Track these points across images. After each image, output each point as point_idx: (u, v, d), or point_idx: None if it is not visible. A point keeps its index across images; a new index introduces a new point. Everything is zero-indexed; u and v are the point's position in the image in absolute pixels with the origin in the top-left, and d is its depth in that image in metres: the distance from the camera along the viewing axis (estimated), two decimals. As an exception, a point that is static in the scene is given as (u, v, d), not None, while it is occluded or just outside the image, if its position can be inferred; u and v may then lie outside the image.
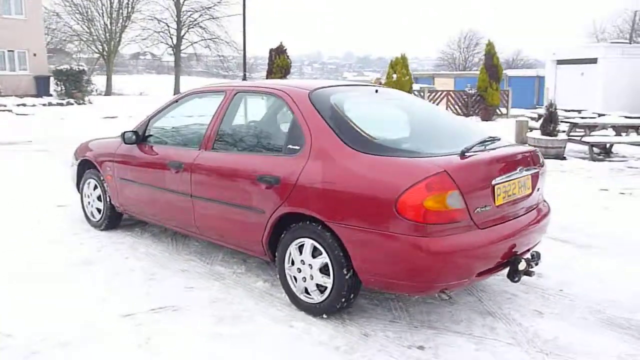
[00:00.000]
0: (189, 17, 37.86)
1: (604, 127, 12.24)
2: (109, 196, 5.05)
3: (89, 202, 5.35)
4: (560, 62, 21.79)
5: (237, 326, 3.36)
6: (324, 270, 3.35)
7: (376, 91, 4.07)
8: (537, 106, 22.60)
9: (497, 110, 21.04)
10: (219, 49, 38.24)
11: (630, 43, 21.34)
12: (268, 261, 4.03)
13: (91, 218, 5.37)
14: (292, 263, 3.53)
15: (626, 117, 12.39)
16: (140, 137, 4.64)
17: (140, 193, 4.64)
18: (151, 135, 4.66)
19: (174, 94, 35.31)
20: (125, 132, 4.65)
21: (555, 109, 11.36)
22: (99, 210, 5.26)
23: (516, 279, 3.33)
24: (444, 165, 2.99)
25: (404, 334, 3.29)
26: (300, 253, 3.45)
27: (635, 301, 3.79)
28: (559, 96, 21.76)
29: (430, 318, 3.51)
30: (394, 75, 18.48)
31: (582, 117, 13.09)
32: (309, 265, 3.40)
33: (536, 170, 3.62)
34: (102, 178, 5.09)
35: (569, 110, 17.74)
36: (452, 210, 2.95)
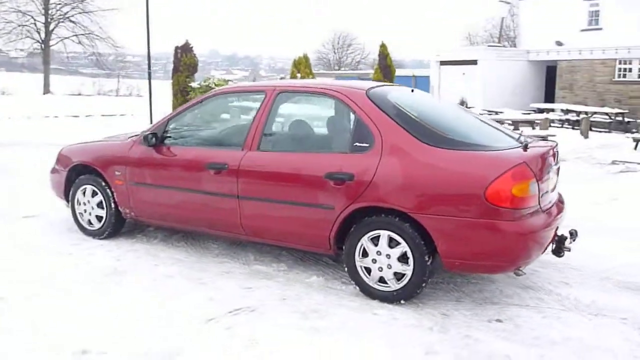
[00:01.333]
0: (58, 10, 34.98)
1: (502, 122, 13.68)
2: (114, 202, 4.78)
3: (84, 210, 5.00)
4: (443, 62, 23.69)
5: (324, 319, 3.46)
6: (401, 259, 3.58)
7: (412, 91, 4.36)
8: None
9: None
10: (93, 45, 35.80)
11: (504, 46, 23.88)
12: (302, 256, 4.17)
13: (87, 227, 5.02)
14: (364, 255, 3.70)
15: (523, 113, 13.98)
16: (159, 139, 4.48)
17: (164, 197, 4.48)
18: (169, 137, 4.51)
19: (44, 94, 32.46)
20: (146, 134, 4.45)
21: (467, 106, 12.49)
22: (99, 218, 4.94)
23: (562, 254, 3.82)
24: (522, 158, 3.38)
25: (475, 310, 3.64)
26: (375, 245, 3.64)
27: (627, 269, 4.47)
28: (443, 94, 23.69)
29: (486, 295, 3.90)
30: (298, 75, 18.82)
31: (481, 114, 14.52)
32: (387, 255, 3.61)
33: (559, 164, 4.16)
34: (104, 184, 4.80)
35: None
36: (531, 196, 3.35)
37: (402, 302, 3.65)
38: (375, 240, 3.65)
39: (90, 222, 5.00)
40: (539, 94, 24.07)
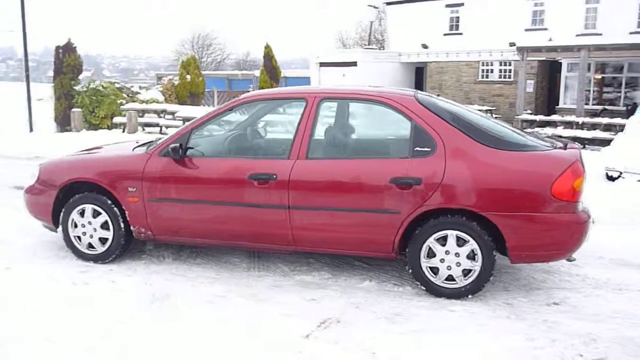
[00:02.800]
0: None
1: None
2: (123, 222, 4.34)
3: (83, 233, 4.45)
4: (323, 64, 24.40)
5: (412, 321, 3.55)
6: (469, 256, 3.78)
7: (438, 95, 4.57)
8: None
9: (279, 109, 22.54)
10: None
11: (378, 49, 25.27)
12: (331, 262, 4.21)
13: (86, 251, 4.48)
14: (429, 255, 3.84)
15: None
16: (184, 151, 4.17)
17: (195, 212, 4.18)
18: (195, 148, 4.22)
19: None
20: (172, 146, 4.11)
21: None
22: (102, 241, 4.44)
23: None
24: (574, 156, 3.76)
25: (528, 297, 3.97)
26: (442, 245, 3.80)
27: (622, 248, 5.08)
28: (324, 95, 24.40)
29: (524, 283, 4.25)
30: (188, 76, 18.18)
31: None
32: (456, 254, 3.79)
33: None
34: (109, 202, 4.33)
35: None
36: (582, 190, 3.75)
37: (469, 296, 3.86)
38: (441, 241, 3.81)
39: (90, 246, 4.48)
40: (409, 93, 25.86)
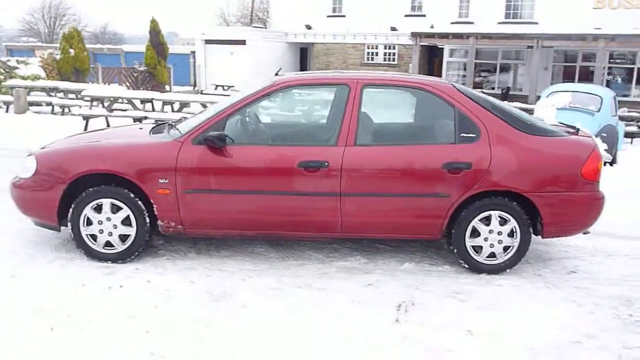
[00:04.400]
0: None
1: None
2: (149, 216, 3.99)
3: (100, 231, 4.00)
4: (209, 41, 23.58)
5: (476, 298, 3.74)
6: (509, 234, 4.10)
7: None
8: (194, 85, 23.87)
9: (166, 87, 21.37)
10: None
11: (256, 26, 24.89)
12: (358, 246, 4.36)
13: (103, 250, 4.04)
14: (473, 235, 4.09)
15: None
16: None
17: (237, 203, 3.97)
18: (233, 135, 3.98)
19: None
20: (210, 134, 3.85)
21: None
22: (122, 238, 4.03)
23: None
24: (592, 141, 4.22)
25: (549, 268, 4.40)
26: (486, 224, 4.07)
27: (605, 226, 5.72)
28: (210, 73, 23.71)
29: (537, 254, 4.67)
30: (71, 50, 16.51)
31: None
32: (498, 232, 4.08)
33: None
34: (132, 195, 3.94)
35: (220, 86, 19.93)
36: (601, 171, 4.23)
37: (507, 270, 4.19)
38: (485, 221, 4.07)
39: (108, 245, 4.04)
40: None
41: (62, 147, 4.18)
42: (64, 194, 3.96)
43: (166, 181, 3.92)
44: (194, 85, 24.12)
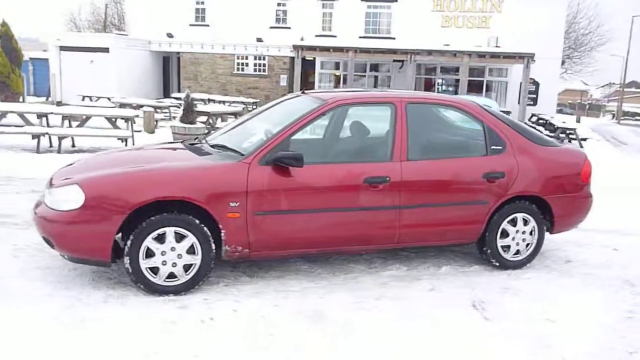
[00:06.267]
0: None
1: (214, 115, 14.30)
2: (214, 242, 3.82)
3: (164, 262, 3.71)
4: (65, 48, 21.54)
5: (525, 292, 4.22)
6: (530, 232, 4.69)
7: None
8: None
9: (21, 98, 19.06)
10: None
11: (125, 35, 23.30)
12: (386, 255, 4.71)
13: (165, 283, 3.75)
14: (503, 236, 4.60)
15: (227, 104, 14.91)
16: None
17: (306, 222, 3.98)
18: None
19: None
20: (283, 154, 3.81)
21: (192, 100, 12.67)
22: (186, 268, 3.79)
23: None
24: (582, 150, 5.00)
25: (549, 258, 5.09)
26: (514, 225, 4.61)
27: None
28: (67, 82, 21.74)
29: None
30: None
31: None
32: (522, 232, 4.64)
33: None
34: (198, 222, 3.74)
35: (87, 97, 18.70)
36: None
37: (527, 266, 4.77)
38: (512, 223, 4.60)
39: (171, 276, 3.77)
40: (159, 83, 25.04)
41: (113, 174, 3.78)
42: (119, 226, 3.61)
43: (237, 204, 3.79)
44: (48, 96, 21.85)
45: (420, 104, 4.56)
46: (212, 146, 4.30)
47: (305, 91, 4.91)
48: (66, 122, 10.42)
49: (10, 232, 5.04)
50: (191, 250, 3.79)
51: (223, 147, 4.18)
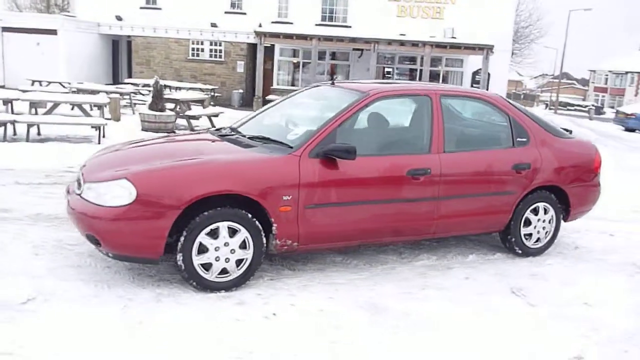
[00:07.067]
0: None
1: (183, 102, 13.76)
2: (265, 236, 3.77)
3: (217, 258, 3.62)
4: (7, 29, 20.24)
5: (552, 278, 4.42)
6: (549, 221, 4.90)
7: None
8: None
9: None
10: None
11: (67, 15, 22.06)
12: (413, 246, 4.86)
13: (217, 280, 3.68)
14: (526, 225, 4.79)
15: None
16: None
17: (353, 214, 3.99)
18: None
19: None
20: (336, 147, 3.79)
21: (161, 86, 12.26)
22: (238, 263, 3.72)
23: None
24: (591, 140, 5.26)
25: (558, 247, 5.34)
26: (535, 214, 4.80)
27: None
28: (10, 66, 20.51)
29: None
30: None
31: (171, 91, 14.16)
32: (543, 220, 4.84)
33: None
34: (250, 215, 3.67)
35: (37, 81, 17.79)
36: None
37: (545, 253, 4.99)
38: (534, 212, 4.79)
39: (224, 272, 3.68)
40: (109, 68, 24.03)
41: (163, 167, 3.63)
42: (174, 222, 3.49)
43: (289, 198, 3.75)
44: (-12, 80, 20.50)
45: (452, 96, 4.64)
46: (250, 138, 4.21)
47: (334, 82, 4.89)
48: (32, 110, 9.82)
49: (19, 228, 4.75)
50: (243, 245, 3.72)
51: (264, 139, 4.10)
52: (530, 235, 4.84)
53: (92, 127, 9.49)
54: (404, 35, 21.70)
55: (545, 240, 4.94)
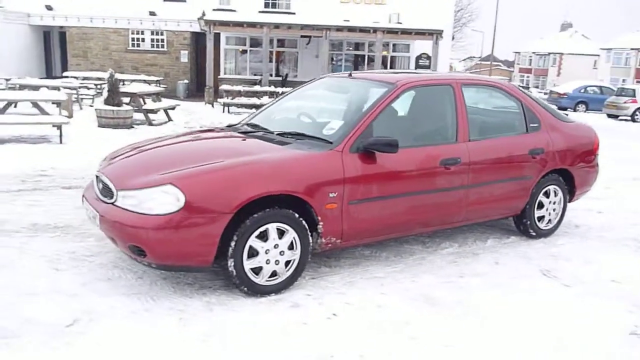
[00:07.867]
0: None
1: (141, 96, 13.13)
2: (310, 235, 3.68)
3: (267, 261, 3.50)
4: None
5: (576, 259, 4.59)
6: (558, 203, 5.09)
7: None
8: None
9: None
10: None
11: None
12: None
13: (267, 283, 3.56)
14: (539, 207, 4.95)
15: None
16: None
17: (393, 207, 3.97)
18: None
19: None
20: (377, 140, 3.74)
21: (116, 80, 11.66)
22: (287, 265, 3.62)
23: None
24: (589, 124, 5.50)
25: (563, 225, 5.57)
26: (547, 197, 4.97)
27: None
28: None
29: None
30: None
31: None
32: (553, 202, 5.03)
33: None
34: (297, 215, 3.58)
35: None
36: None
37: (554, 233, 5.18)
38: (545, 195, 4.97)
39: (273, 275, 3.57)
40: (41, 61, 22.60)
41: (209, 170, 3.44)
42: (225, 227, 3.34)
43: (335, 194, 3.67)
44: None
45: (471, 85, 4.69)
46: (279, 134, 4.08)
47: (352, 73, 4.83)
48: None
49: (21, 241, 4.40)
50: (290, 246, 3.61)
51: (298, 135, 3.99)
52: (542, 217, 5.02)
53: (54, 126, 8.90)
54: (347, 21, 21.71)
55: (555, 222, 5.13)
